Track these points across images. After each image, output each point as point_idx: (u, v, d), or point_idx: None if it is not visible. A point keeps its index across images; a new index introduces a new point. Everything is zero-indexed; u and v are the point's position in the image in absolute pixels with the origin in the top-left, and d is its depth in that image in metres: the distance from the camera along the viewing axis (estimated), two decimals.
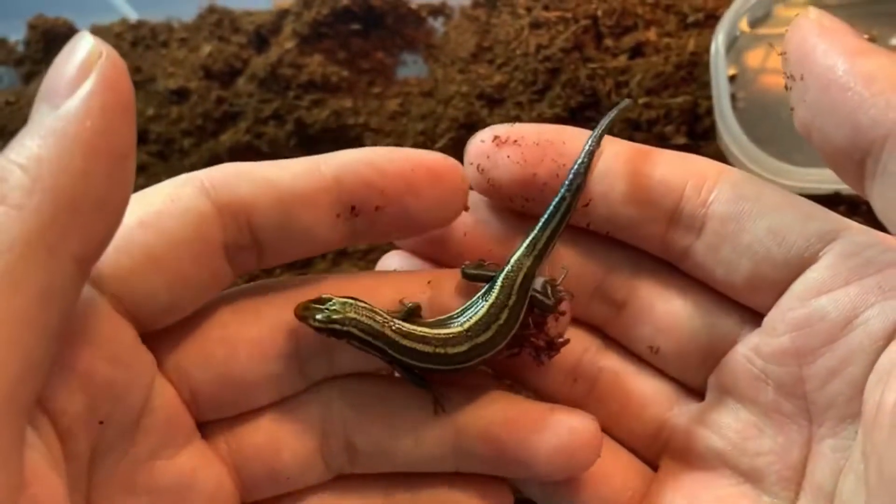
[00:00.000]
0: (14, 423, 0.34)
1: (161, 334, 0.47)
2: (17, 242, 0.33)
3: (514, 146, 0.51)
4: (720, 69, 0.82)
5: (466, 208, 0.50)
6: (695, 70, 0.89)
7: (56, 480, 0.38)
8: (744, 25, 0.88)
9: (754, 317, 0.50)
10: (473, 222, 0.53)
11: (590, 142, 0.50)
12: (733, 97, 0.85)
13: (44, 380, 0.36)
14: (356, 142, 0.94)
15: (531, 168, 0.51)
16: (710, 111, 0.86)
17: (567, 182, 0.50)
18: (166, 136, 0.95)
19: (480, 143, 0.51)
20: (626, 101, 0.55)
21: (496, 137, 0.51)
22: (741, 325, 0.50)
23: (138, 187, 1.00)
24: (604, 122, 0.51)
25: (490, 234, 0.53)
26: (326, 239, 0.48)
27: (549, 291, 0.51)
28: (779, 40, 0.87)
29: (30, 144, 0.35)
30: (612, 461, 0.52)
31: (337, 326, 0.47)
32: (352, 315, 0.47)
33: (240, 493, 0.50)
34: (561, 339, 0.51)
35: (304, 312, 0.47)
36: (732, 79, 0.87)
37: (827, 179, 0.79)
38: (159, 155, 0.96)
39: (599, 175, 0.51)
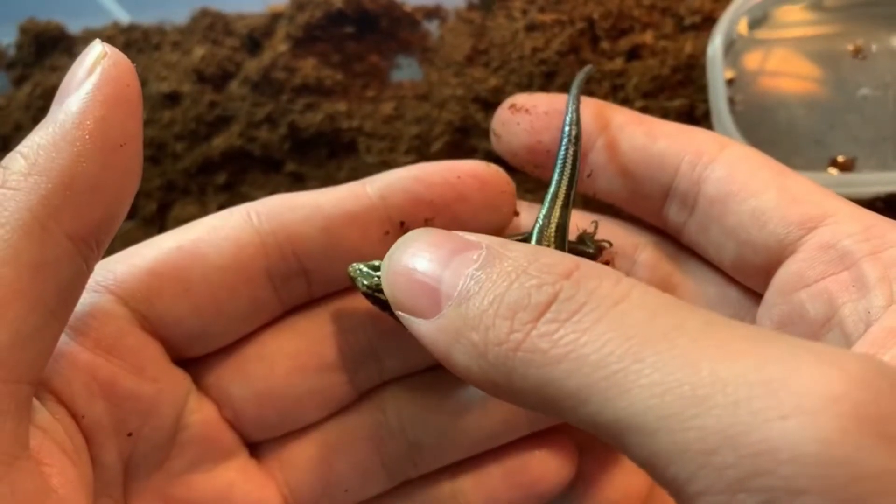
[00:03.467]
0: (7, 389, 0.36)
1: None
2: (11, 219, 0.35)
3: (525, 114, 0.53)
4: (717, 72, 0.82)
5: (517, 213, 0.51)
6: (692, 73, 0.88)
7: (71, 469, 0.39)
8: (742, 28, 0.88)
9: (755, 299, 0.49)
10: None
11: (573, 94, 0.52)
12: (731, 101, 0.84)
13: (44, 357, 0.38)
14: (350, 146, 0.93)
15: (536, 135, 0.52)
16: (707, 115, 0.85)
17: (564, 135, 0.51)
18: (159, 140, 0.94)
19: (501, 110, 0.54)
20: (589, 67, 0.58)
21: (512, 105, 0.54)
22: (747, 310, 0.50)
23: None
24: (577, 81, 0.53)
25: None
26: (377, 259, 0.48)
27: (587, 241, 0.52)
28: (778, 44, 0.87)
29: (34, 136, 0.38)
30: (616, 462, 0.52)
31: (382, 297, 0.45)
32: None
33: None
34: None
35: (354, 274, 0.46)
36: (730, 82, 0.86)
37: (824, 183, 0.78)
38: (152, 159, 0.95)
39: (601, 145, 0.51)
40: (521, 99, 0.54)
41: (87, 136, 0.37)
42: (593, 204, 0.56)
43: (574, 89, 0.52)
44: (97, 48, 0.39)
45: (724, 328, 0.31)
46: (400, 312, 0.38)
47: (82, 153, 0.37)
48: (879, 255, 0.42)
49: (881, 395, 0.27)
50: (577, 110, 0.51)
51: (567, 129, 0.51)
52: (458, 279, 0.35)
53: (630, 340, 0.31)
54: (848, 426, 0.26)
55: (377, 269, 0.46)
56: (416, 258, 0.38)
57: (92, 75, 0.38)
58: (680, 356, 0.29)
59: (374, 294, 0.45)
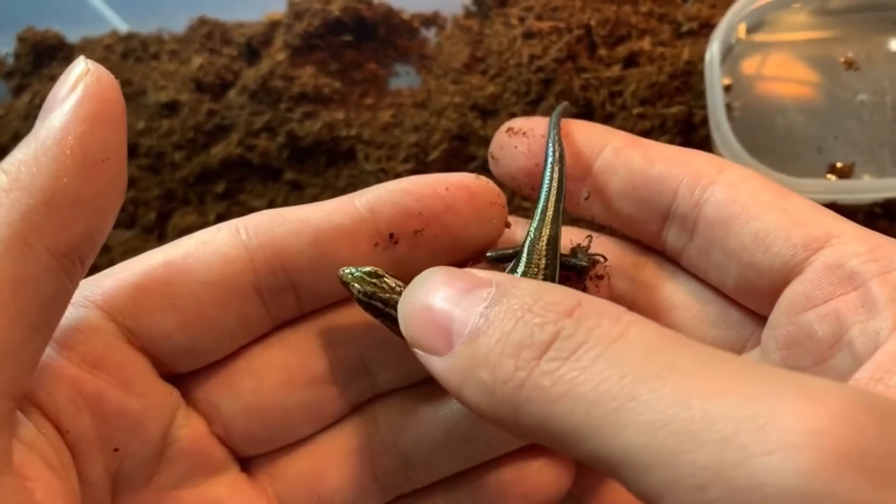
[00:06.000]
0: None
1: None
2: None
3: (523, 137, 0.53)
4: (715, 78, 0.82)
5: (509, 225, 0.51)
6: (689, 79, 0.88)
7: (56, 484, 0.38)
8: (741, 32, 0.88)
9: (758, 320, 0.49)
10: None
11: (552, 121, 0.53)
12: (729, 107, 0.84)
13: (27, 373, 0.38)
14: (349, 154, 0.93)
15: (534, 158, 0.52)
16: (705, 121, 0.85)
17: (549, 155, 0.51)
18: (157, 150, 0.94)
19: (499, 134, 0.54)
20: (565, 103, 0.57)
21: (510, 129, 0.54)
22: (751, 332, 0.49)
23: (129, 200, 0.99)
24: (555, 114, 0.54)
25: None
26: None
27: (580, 254, 0.52)
28: (775, 48, 0.87)
29: (16, 153, 0.38)
30: None
31: (378, 304, 0.45)
32: (398, 298, 0.44)
33: None
34: None
35: (347, 278, 0.45)
36: (728, 88, 0.86)
37: (823, 190, 0.78)
38: (150, 169, 0.95)
39: (598, 169, 0.51)
40: (518, 122, 0.54)
41: (67, 152, 0.37)
42: (594, 225, 0.56)
43: (554, 118, 0.53)
44: (80, 65, 0.39)
45: (715, 364, 0.32)
46: (415, 349, 0.39)
47: (63, 169, 0.37)
48: (888, 276, 0.42)
49: (864, 429, 0.28)
50: (559, 133, 0.52)
51: (551, 149, 0.51)
52: (469, 317, 0.37)
53: (625, 378, 0.32)
54: (829, 460, 0.27)
55: (372, 275, 0.45)
56: (430, 296, 0.39)
57: (74, 91, 0.38)
58: (671, 394, 0.31)
59: (370, 301, 0.45)
